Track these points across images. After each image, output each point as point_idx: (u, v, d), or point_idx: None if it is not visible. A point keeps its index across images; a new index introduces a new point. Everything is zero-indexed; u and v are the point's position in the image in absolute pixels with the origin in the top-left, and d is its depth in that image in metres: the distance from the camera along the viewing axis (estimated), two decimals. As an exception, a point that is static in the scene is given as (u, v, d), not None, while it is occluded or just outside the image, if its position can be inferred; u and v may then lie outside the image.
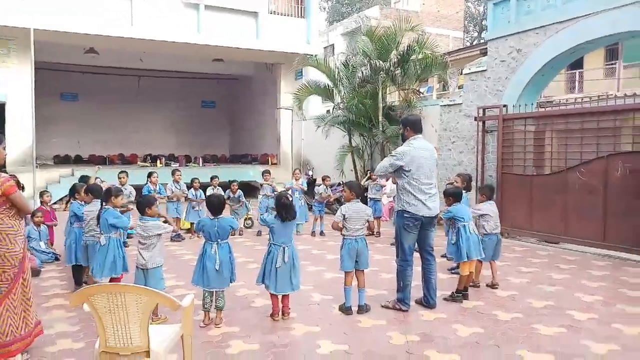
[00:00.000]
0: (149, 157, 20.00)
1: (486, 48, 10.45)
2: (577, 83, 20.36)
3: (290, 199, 5.38)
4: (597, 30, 8.34)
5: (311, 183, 14.06)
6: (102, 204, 5.34)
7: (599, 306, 5.44)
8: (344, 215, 5.29)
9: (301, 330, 4.76)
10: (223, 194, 8.81)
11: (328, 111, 20.13)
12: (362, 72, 12.02)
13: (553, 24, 8.95)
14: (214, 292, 4.87)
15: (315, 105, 18.94)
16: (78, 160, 20.53)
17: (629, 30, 8.04)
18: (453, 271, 6.72)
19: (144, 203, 4.90)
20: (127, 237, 7.52)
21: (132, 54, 17.94)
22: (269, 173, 10.82)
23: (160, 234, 4.86)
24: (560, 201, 8.70)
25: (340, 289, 5.45)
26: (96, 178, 7.83)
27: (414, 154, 5.21)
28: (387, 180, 10.22)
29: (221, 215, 5.02)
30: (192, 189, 10.00)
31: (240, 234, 10.18)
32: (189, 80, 22.73)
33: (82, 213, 5.84)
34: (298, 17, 17.37)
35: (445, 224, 7.07)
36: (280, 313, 5.04)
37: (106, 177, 14.61)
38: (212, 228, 4.92)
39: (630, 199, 7.67)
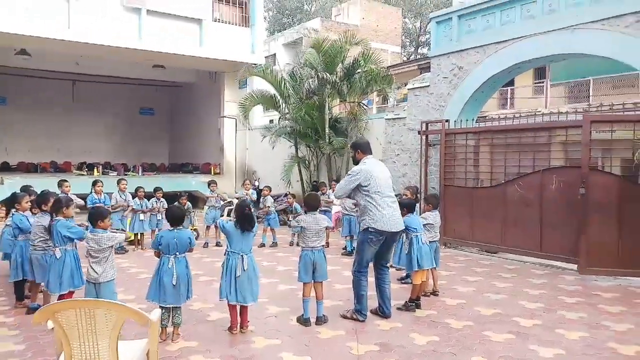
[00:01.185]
0: (84, 166, 19.16)
1: (424, 63, 10.89)
2: (508, 100, 21.48)
3: (251, 209, 5.34)
4: (530, 52, 8.89)
5: (258, 193, 14.00)
6: (52, 216, 5.10)
7: (542, 312, 5.77)
8: (302, 227, 5.34)
9: (261, 343, 4.73)
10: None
11: (271, 121, 20.15)
12: (309, 84, 12.15)
13: (492, 43, 9.45)
14: (170, 308, 4.75)
15: (257, 115, 18.91)
16: (5, 168, 19.33)
17: (558, 53, 8.65)
18: (403, 281, 6.92)
19: (96, 215, 4.72)
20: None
21: (68, 57, 17.17)
22: (215, 184, 10.69)
23: (112, 246, 4.70)
24: (499, 213, 9.15)
25: (295, 300, 5.48)
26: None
27: (370, 171, 5.36)
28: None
29: (180, 227, 4.92)
30: (136, 199, 9.70)
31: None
32: (127, 86, 22.07)
33: (28, 225, 5.54)
34: (242, 25, 17.29)
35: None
36: (238, 326, 4.99)
37: (37, 185, 13.97)
38: (172, 240, 4.81)
39: (563, 211, 8.18)
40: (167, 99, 24.10)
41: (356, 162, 5.58)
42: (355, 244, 9.12)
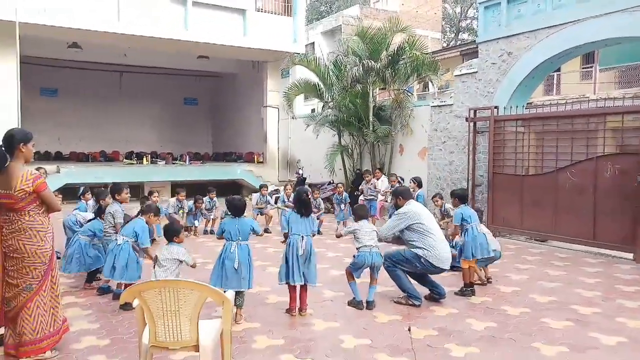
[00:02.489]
0: (134, 155, 19.72)
1: (466, 49, 10.73)
2: (554, 85, 20.92)
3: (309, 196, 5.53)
4: (584, 36, 8.66)
5: (301, 182, 14.17)
6: (140, 213, 5.49)
7: (600, 301, 5.70)
8: (355, 230, 5.52)
9: (321, 325, 4.87)
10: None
11: (312, 110, 20.30)
12: (354, 72, 12.16)
13: (543, 28, 9.24)
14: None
15: (299, 104, 19.05)
16: (58, 157, 20.12)
17: (614, 37, 8.40)
18: (454, 268, 6.93)
19: (171, 231, 4.96)
20: None
21: (116, 49, 17.67)
22: (266, 188, 10.89)
23: (182, 261, 4.92)
24: (550, 201, 9.00)
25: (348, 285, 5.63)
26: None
27: (416, 210, 5.63)
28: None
29: (243, 216, 5.09)
30: (173, 199, 10.17)
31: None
32: (171, 77, 22.50)
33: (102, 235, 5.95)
34: (285, 15, 17.39)
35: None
36: (297, 309, 5.13)
37: (90, 174, 14.50)
38: (233, 227, 4.99)
39: (618, 199, 8.01)
40: (209, 89, 24.49)
41: (398, 207, 5.83)
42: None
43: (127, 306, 5.23)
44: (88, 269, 6.02)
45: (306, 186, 10.71)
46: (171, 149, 22.57)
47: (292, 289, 5.12)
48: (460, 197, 6.10)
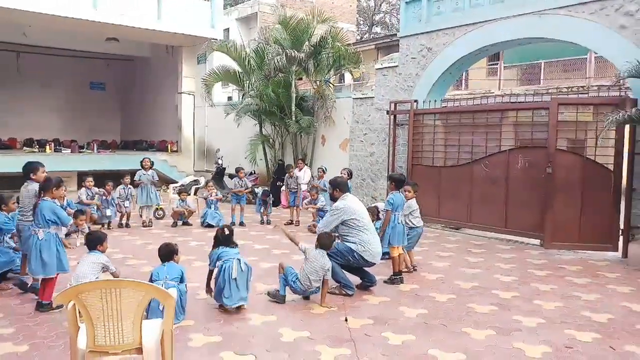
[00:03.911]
0: (35, 143, 18.22)
1: (381, 43, 11.02)
2: (463, 81, 22.01)
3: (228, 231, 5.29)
4: (499, 35, 9.17)
5: (221, 172, 13.86)
6: (39, 194, 4.91)
7: (517, 285, 6.10)
8: (306, 258, 5.34)
9: (258, 320, 4.78)
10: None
11: (229, 98, 19.88)
12: (276, 61, 12.02)
13: (461, 25, 9.66)
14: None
15: (216, 92, 18.56)
16: (-57, 144, 18.18)
17: (525, 37, 8.96)
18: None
19: (95, 240, 4.66)
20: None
21: (14, 27, 16.17)
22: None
23: (105, 268, 4.65)
24: (466, 191, 9.48)
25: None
26: None
27: (353, 206, 5.69)
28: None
29: (171, 261, 4.86)
30: (82, 189, 9.35)
31: (149, 225, 9.76)
32: (77, 60, 20.94)
33: (12, 227, 5.36)
34: (202, -1, 16.83)
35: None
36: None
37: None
38: (162, 274, 4.73)
39: (528, 189, 8.59)
40: (119, 73, 23.15)
41: (334, 199, 5.90)
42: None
43: (44, 307, 4.84)
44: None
45: (236, 179, 10.45)
46: (75, 137, 21.10)
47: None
48: (397, 182, 6.24)
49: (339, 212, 5.66)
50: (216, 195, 10.20)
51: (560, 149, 8.25)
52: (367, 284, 5.75)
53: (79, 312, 3.00)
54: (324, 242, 5.38)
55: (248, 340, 4.30)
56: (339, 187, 5.87)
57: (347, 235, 5.61)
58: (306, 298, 5.36)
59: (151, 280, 4.64)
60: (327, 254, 5.39)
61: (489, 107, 9.71)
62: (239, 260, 4.97)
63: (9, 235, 5.84)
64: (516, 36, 8.91)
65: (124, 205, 9.63)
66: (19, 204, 5.45)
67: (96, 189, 9.35)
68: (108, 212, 9.40)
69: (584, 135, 8.99)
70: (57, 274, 4.95)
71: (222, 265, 4.94)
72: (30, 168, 5.39)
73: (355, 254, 5.54)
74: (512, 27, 8.86)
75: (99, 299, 2.79)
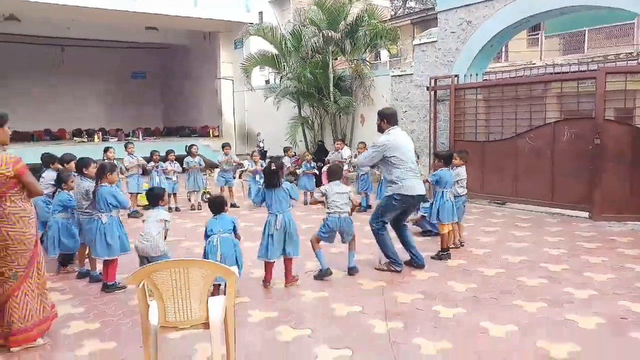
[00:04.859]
0: (84, 133, 18.93)
1: (417, 18, 10.84)
2: (502, 53, 21.47)
3: (274, 166, 5.24)
4: (541, 5, 8.91)
5: (262, 154, 14.06)
6: (97, 181, 5.19)
7: (567, 258, 6.06)
8: (326, 194, 5.49)
9: (310, 296, 4.94)
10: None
11: (267, 81, 20.02)
12: (314, 42, 12.06)
13: (501, -4, 9.44)
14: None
15: (254, 76, 18.76)
16: (-1, 138, 19.04)
17: (569, 5, 8.67)
18: (423, 233, 7.17)
19: (157, 195, 4.86)
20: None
21: (58, 22, 16.75)
22: (229, 146, 10.68)
23: (166, 220, 4.86)
24: (510, 165, 9.37)
25: (328, 255, 5.74)
26: None
27: (396, 142, 5.55)
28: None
29: (223, 213, 5.04)
30: (152, 162, 9.78)
31: (199, 209, 10.06)
32: (117, 50, 21.56)
33: (74, 204, 5.65)
34: (237, -16, 16.94)
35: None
36: (286, 281, 5.19)
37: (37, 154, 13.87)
38: (215, 225, 4.93)
39: (574, 161, 8.42)
40: (158, 61, 23.69)
41: (381, 131, 5.74)
42: (369, 201, 9.45)
43: (109, 288, 5.14)
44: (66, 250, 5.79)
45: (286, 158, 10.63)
46: (120, 125, 21.85)
47: (268, 264, 5.16)
48: (445, 159, 6.24)
49: (380, 147, 5.50)
50: (261, 166, 10.36)
51: (608, 119, 8.04)
52: (414, 264, 5.77)
53: (149, 291, 3.22)
54: (334, 172, 5.59)
55: (303, 314, 4.48)
56: (386, 118, 5.67)
57: (385, 174, 5.60)
58: (350, 274, 5.48)
59: (206, 233, 4.92)
60: (377, 220, 5.56)
61: (533, 79, 9.50)
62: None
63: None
64: (559, 5, 8.65)
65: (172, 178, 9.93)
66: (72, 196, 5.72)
67: (139, 157, 9.77)
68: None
69: (632, 104, 8.74)
70: (117, 257, 5.23)
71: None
72: (83, 163, 5.68)
73: (394, 197, 5.48)
74: (556, -5, 8.61)
75: (168, 278, 2.97)
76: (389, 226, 5.74)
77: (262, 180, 5.82)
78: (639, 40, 17.67)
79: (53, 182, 6.09)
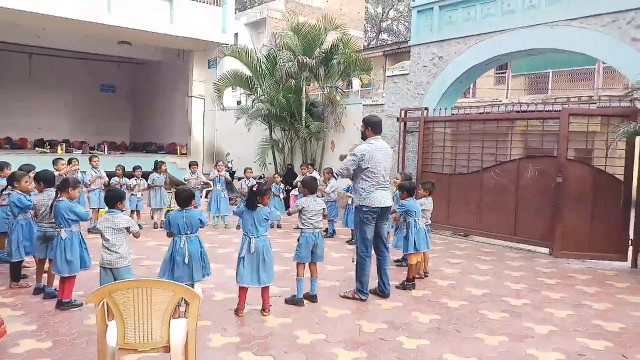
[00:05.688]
0: (47, 143, 18.41)
1: (389, 50, 11.09)
2: (470, 89, 22.09)
3: (257, 188, 5.26)
4: (511, 45, 9.23)
5: (230, 175, 13.95)
6: (56, 194, 5.02)
7: (527, 293, 6.16)
8: (302, 208, 5.47)
9: (274, 322, 4.86)
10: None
11: (238, 102, 20.03)
12: (289, 67, 12.15)
13: (473, 35, 9.74)
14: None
15: (226, 96, 18.74)
16: (-45, 144, 18.38)
17: (536, 47, 9.02)
18: (398, 263, 7.18)
19: (115, 197, 4.69)
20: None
21: (28, 29, 16.41)
22: (197, 165, 10.56)
23: (128, 228, 4.69)
24: (475, 198, 9.55)
25: (293, 280, 5.67)
26: None
27: (373, 153, 5.55)
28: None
29: (189, 207, 4.94)
30: (115, 177, 9.57)
31: (161, 227, 9.84)
32: (87, 62, 21.26)
33: (28, 203, 5.43)
34: (214, 4, 17.00)
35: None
36: (262, 309, 5.08)
37: None
38: (181, 220, 4.84)
39: (537, 198, 8.65)
40: (129, 76, 23.41)
41: (364, 138, 5.75)
42: (334, 227, 9.47)
43: (65, 305, 4.94)
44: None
45: (243, 180, 10.54)
46: (85, 138, 21.40)
47: (241, 289, 5.04)
48: (408, 190, 6.31)
49: (358, 157, 5.50)
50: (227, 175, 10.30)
51: (570, 159, 8.32)
52: (379, 292, 5.76)
53: (107, 310, 3.11)
54: (309, 186, 5.57)
55: (266, 341, 4.39)
56: (371, 126, 5.67)
57: (354, 182, 5.65)
58: (313, 301, 5.44)
59: (169, 224, 4.82)
60: (361, 238, 5.60)
61: (499, 116, 9.78)
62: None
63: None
64: (527, 46, 8.99)
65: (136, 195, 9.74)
66: (35, 211, 5.52)
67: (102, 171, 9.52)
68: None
69: (591, 145, 9.08)
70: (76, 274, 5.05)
71: None
72: (13, 178, 5.51)
73: (361, 207, 5.53)
74: (524, 38, 8.94)
75: (130, 298, 2.88)
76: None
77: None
78: (598, 85, 18.46)
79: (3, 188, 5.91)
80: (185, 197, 4.97)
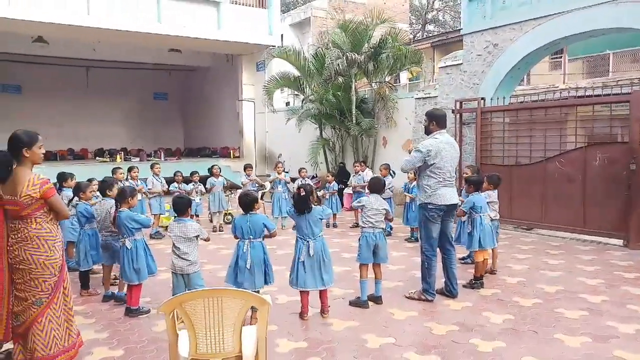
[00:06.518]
0: (107, 152, 19.10)
1: (437, 41, 10.73)
2: (525, 76, 21.25)
3: (304, 191, 5.15)
4: (571, 28, 8.76)
5: (284, 176, 13.99)
6: (117, 206, 5.12)
7: (605, 288, 5.79)
8: (363, 206, 5.34)
9: (339, 325, 4.76)
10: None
11: (287, 103, 20.08)
12: (337, 65, 12.03)
13: (529, 20, 9.31)
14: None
15: (275, 97, 18.83)
16: (24, 156, 19.29)
17: (599, 28, 8.51)
18: (463, 261, 6.94)
19: (183, 204, 4.73)
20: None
21: (84, 44, 17.05)
22: (251, 167, 10.63)
23: (198, 236, 4.73)
24: (539, 190, 9.13)
25: (355, 281, 5.55)
26: None
27: (439, 148, 5.33)
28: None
29: (253, 212, 4.89)
30: (174, 183, 9.74)
31: (220, 230, 9.96)
32: (140, 72, 21.84)
33: (92, 212, 5.59)
34: (259, 7, 17.09)
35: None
36: (321, 311, 5.01)
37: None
38: (244, 224, 4.80)
39: (607, 187, 8.17)
40: (180, 83, 23.93)
41: (428, 133, 5.55)
42: (391, 225, 9.27)
43: (133, 312, 5.02)
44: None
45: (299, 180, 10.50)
46: (141, 146, 22.00)
47: (303, 293, 4.97)
48: (475, 184, 6.08)
49: (424, 153, 5.29)
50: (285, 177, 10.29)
51: (644, 144, 7.80)
52: (446, 293, 5.56)
53: (179, 319, 3.09)
54: (374, 186, 5.43)
55: (334, 346, 4.29)
56: (435, 120, 5.45)
57: (419, 178, 5.49)
58: (377, 303, 5.30)
59: (234, 230, 4.81)
60: (425, 239, 5.45)
61: (563, 102, 9.30)
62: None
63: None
64: (589, 27, 8.48)
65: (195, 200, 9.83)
66: (98, 221, 5.68)
67: (162, 181, 9.71)
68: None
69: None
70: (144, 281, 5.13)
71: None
72: (106, 185, 5.64)
73: (426, 205, 5.35)
74: (585, 18, 8.45)
75: (201, 307, 2.84)
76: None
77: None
78: (665, 64, 17.34)
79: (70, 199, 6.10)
80: (248, 202, 4.92)
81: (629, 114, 7.75)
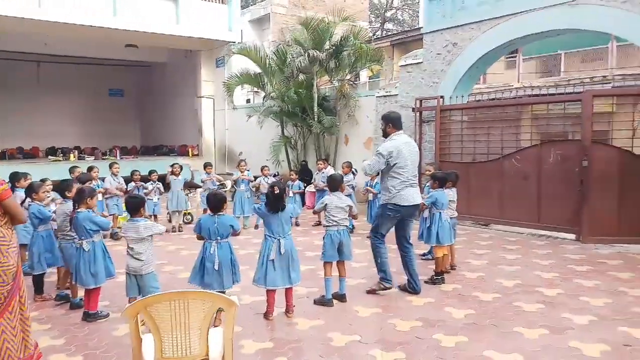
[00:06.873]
0: (59, 151, 18.42)
1: (396, 40, 10.87)
2: (481, 74, 21.75)
3: (278, 189, 5.13)
4: (527, 28, 9.02)
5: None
6: (74, 207, 4.93)
7: (559, 282, 6.00)
8: (326, 205, 5.36)
9: (305, 324, 4.75)
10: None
11: (247, 100, 19.89)
12: (299, 62, 12.00)
13: (488, 19, 9.53)
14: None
15: (235, 94, 18.62)
16: (-32, 155, 18.43)
17: (554, 28, 8.79)
18: (424, 257, 7.04)
19: (136, 204, 4.59)
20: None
21: (36, 38, 16.38)
22: (211, 166, 10.48)
23: (152, 235, 4.60)
24: (496, 187, 9.37)
25: (319, 279, 5.56)
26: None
27: (399, 149, 5.42)
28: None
29: (221, 213, 4.81)
30: (132, 182, 9.49)
31: (180, 230, 9.77)
32: (94, 67, 21.17)
33: (49, 214, 5.37)
34: (219, 2, 16.85)
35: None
36: (286, 310, 4.97)
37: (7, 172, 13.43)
38: (212, 225, 4.72)
39: (561, 183, 8.46)
40: (137, 79, 23.36)
41: (385, 135, 5.62)
42: (353, 223, 9.31)
43: (91, 317, 4.87)
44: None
45: (261, 178, 10.41)
46: (95, 144, 21.38)
47: (270, 292, 4.93)
48: (440, 180, 6.17)
49: (385, 155, 5.38)
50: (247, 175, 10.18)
51: (595, 141, 8.11)
52: (409, 289, 5.62)
53: (141, 322, 3.01)
54: (333, 184, 5.47)
55: (300, 345, 4.28)
56: (391, 122, 5.53)
57: (381, 180, 5.54)
58: (342, 301, 5.33)
59: (200, 228, 4.71)
60: (376, 230, 5.57)
61: (519, 101, 9.60)
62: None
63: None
64: (546, 28, 8.75)
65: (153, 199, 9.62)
66: (56, 222, 5.48)
67: (121, 180, 9.46)
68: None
69: (608, 127, 8.87)
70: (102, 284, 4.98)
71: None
72: (65, 185, 5.45)
73: (387, 205, 5.44)
74: (542, 19, 8.71)
75: (167, 310, 2.78)
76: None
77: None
78: (613, 64, 18.09)
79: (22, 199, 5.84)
80: (216, 202, 4.82)
81: (581, 112, 8.04)
